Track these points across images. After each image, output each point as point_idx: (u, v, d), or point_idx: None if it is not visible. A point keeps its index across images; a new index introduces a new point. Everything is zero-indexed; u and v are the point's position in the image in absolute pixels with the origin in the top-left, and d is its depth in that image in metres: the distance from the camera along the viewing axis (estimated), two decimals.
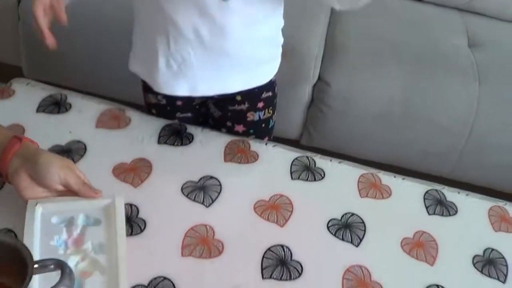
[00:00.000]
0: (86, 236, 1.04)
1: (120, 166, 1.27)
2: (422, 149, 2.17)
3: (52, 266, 0.89)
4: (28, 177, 1.05)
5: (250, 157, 1.35)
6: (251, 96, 1.42)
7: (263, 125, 1.49)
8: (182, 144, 1.35)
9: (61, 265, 0.89)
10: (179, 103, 1.46)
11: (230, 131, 1.47)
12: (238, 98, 1.42)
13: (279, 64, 1.43)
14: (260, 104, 1.44)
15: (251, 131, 1.47)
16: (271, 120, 1.50)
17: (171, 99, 1.45)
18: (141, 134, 1.36)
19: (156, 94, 1.44)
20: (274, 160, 1.36)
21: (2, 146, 1.07)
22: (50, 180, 1.05)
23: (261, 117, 1.46)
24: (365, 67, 2.14)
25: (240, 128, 1.47)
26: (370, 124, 2.13)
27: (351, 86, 2.10)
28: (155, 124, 1.39)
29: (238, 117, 1.46)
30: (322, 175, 1.33)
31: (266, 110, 1.47)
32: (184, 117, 1.50)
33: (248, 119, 1.46)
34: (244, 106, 1.43)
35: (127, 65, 1.41)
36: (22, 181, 1.05)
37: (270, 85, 1.44)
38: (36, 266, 0.86)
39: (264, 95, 1.44)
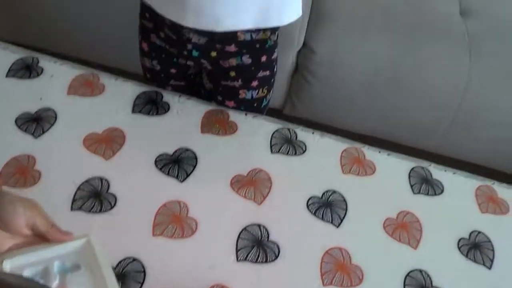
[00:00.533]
0: (68, 284, 0.92)
1: (91, 137, 1.21)
2: (409, 122, 2.10)
3: None
4: None
5: (228, 128, 1.29)
6: (246, 73, 1.33)
7: (255, 104, 1.40)
8: (157, 114, 1.29)
9: None
10: (173, 70, 1.39)
11: (221, 105, 1.39)
12: (232, 74, 1.33)
13: (292, 16, 1.25)
14: (254, 83, 1.35)
15: (242, 108, 1.39)
16: (264, 100, 1.42)
17: (165, 66, 1.38)
18: (115, 102, 1.29)
19: (151, 59, 1.37)
20: (253, 132, 1.30)
21: None
22: (16, 222, 0.89)
23: (254, 96, 1.38)
24: (351, 34, 2.06)
25: (230, 104, 1.38)
26: (356, 94, 2.07)
27: (337, 53, 2.02)
28: (130, 92, 1.33)
29: (229, 93, 1.37)
30: (304, 149, 1.27)
31: (260, 89, 1.38)
32: (178, 85, 1.43)
33: (240, 96, 1.37)
34: (237, 83, 1.35)
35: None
36: None
37: (268, 64, 1.35)
38: None
39: (261, 74, 1.34)
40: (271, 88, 1.42)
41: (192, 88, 1.45)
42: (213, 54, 1.27)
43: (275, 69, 1.39)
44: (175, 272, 1.00)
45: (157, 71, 1.40)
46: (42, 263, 0.92)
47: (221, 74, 1.34)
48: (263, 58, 1.32)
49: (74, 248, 0.95)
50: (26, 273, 0.92)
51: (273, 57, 1.35)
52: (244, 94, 1.36)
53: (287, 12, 1.23)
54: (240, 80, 1.33)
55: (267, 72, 1.36)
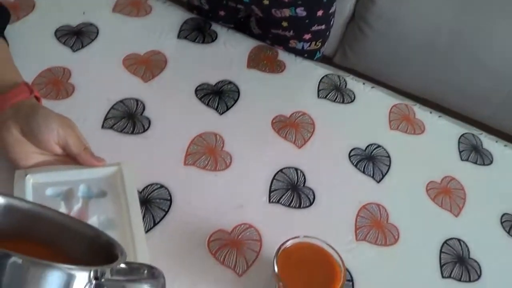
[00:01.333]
0: (90, 210, 0.87)
1: (132, 57, 1.16)
2: (464, 88, 2.01)
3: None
4: (18, 132, 0.85)
5: (275, 67, 1.22)
6: (299, 25, 1.26)
7: (306, 55, 1.32)
8: (203, 42, 1.23)
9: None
10: (222, 12, 1.32)
11: None
12: (284, 24, 1.26)
13: None
14: (307, 36, 1.28)
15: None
16: (318, 52, 1.34)
17: (214, 6, 1.31)
18: (160, 25, 1.24)
19: None
20: (301, 74, 1.24)
21: (4, 88, 0.90)
22: (47, 136, 0.86)
23: (305, 47, 1.30)
24: None
25: (280, 48, 1.30)
26: (411, 52, 1.98)
27: (397, 7, 1.93)
28: (178, 17, 1.27)
29: (279, 40, 1.30)
30: (352, 98, 1.21)
31: (313, 42, 1.30)
32: (226, 27, 1.35)
33: (290, 45, 1.30)
34: (288, 33, 1.28)
35: None
36: (10, 135, 0.85)
37: (325, 18, 1.27)
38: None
39: (315, 27, 1.27)
40: (326, 41, 1.34)
41: (241, 31, 1.38)
42: (266, 1, 1.20)
43: (331, 22, 1.31)
44: (202, 205, 0.95)
45: (206, 10, 1.33)
46: (67, 184, 0.89)
47: (272, 22, 1.26)
48: (319, 13, 1.24)
49: (104, 174, 0.91)
50: (49, 191, 0.88)
51: (330, 11, 1.27)
52: (295, 44, 1.28)
53: None
54: (292, 31, 1.26)
55: (323, 26, 1.28)
